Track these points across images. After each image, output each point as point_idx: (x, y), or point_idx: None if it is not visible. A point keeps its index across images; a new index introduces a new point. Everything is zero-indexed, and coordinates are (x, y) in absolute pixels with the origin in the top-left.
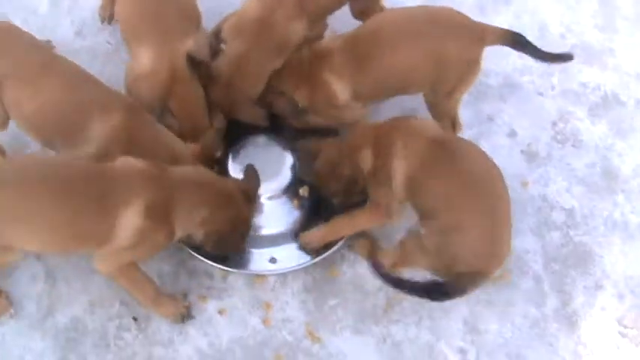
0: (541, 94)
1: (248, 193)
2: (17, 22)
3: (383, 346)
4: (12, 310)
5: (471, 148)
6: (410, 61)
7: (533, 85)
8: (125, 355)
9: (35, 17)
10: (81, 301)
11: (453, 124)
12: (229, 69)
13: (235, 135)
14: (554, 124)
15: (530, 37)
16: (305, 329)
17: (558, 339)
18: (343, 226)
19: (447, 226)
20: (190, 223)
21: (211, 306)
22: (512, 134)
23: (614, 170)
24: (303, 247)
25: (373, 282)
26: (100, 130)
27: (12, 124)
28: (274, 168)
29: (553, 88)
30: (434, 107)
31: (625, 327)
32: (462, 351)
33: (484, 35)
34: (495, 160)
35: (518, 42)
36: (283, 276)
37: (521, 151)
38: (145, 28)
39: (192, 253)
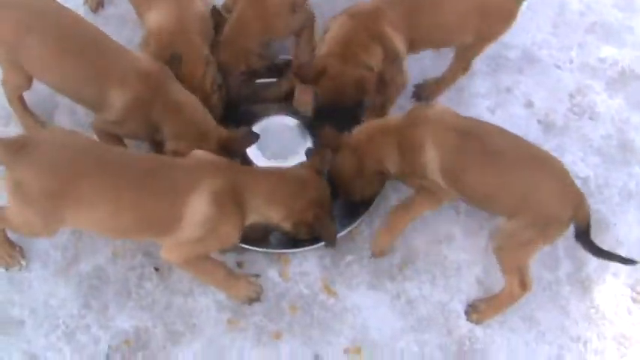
0: (559, 67)
1: (317, 169)
2: None
3: (397, 302)
4: (23, 263)
5: (491, 127)
6: (458, 10)
7: (551, 59)
8: (145, 303)
9: None
10: (104, 252)
11: (466, 67)
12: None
13: (254, 116)
14: (571, 96)
15: (550, 14)
16: (321, 283)
17: (570, 302)
18: (402, 219)
19: (521, 204)
20: (270, 214)
21: (230, 258)
22: (530, 105)
23: (629, 143)
24: (376, 256)
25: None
26: (118, 101)
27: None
28: (292, 148)
29: (571, 61)
30: (464, 52)
31: (637, 293)
32: None
33: None
34: (511, 129)
35: None
36: None
37: (538, 121)
38: None
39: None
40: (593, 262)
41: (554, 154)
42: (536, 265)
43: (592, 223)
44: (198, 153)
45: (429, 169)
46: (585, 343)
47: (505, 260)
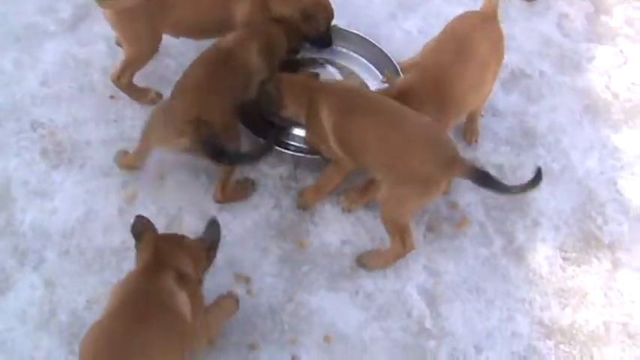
0: None
1: None
2: None
3: (356, 298)
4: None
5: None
6: None
7: None
8: None
9: (2, 75)
10: (79, 301)
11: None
12: None
13: None
14: None
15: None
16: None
17: (509, 271)
18: (325, 183)
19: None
20: None
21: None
22: None
23: (531, 130)
24: (301, 209)
25: (338, 248)
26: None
27: None
28: None
29: None
30: None
31: (566, 252)
32: (427, 290)
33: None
34: None
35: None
36: (260, 251)
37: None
38: None
39: None
40: (522, 234)
41: (467, 151)
42: (471, 244)
43: (513, 201)
44: None
45: (326, 130)
46: (531, 303)
47: (387, 222)
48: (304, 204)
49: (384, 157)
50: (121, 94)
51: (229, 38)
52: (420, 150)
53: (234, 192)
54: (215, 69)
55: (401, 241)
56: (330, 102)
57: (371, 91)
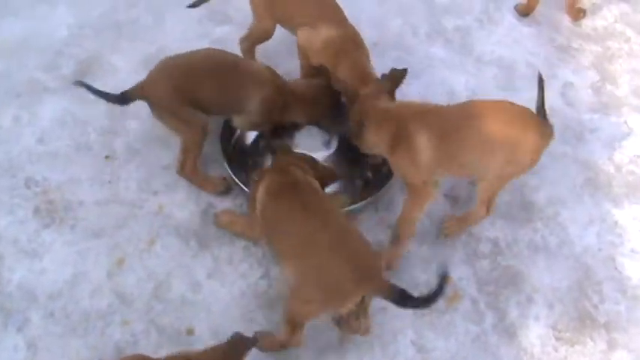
0: None
1: None
2: None
3: None
4: None
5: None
6: None
7: None
8: None
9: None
10: None
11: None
12: None
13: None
14: None
15: (441, 101)
16: None
17: (500, 349)
18: (241, 228)
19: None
20: None
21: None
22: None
23: (529, 203)
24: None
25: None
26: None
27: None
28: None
29: None
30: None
31: (559, 331)
32: None
33: None
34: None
35: None
36: (247, 321)
37: (445, 196)
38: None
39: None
40: (514, 310)
41: None
42: (462, 320)
43: (507, 277)
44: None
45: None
46: None
47: (286, 311)
48: (218, 223)
49: (299, 259)
50: (117, 154)
51: (262, 66)
52: (340, 262)
53: (197, 174)
54: (216, 67)
55: (291, 332)
56: (268, 186)
57: (319, 192)
